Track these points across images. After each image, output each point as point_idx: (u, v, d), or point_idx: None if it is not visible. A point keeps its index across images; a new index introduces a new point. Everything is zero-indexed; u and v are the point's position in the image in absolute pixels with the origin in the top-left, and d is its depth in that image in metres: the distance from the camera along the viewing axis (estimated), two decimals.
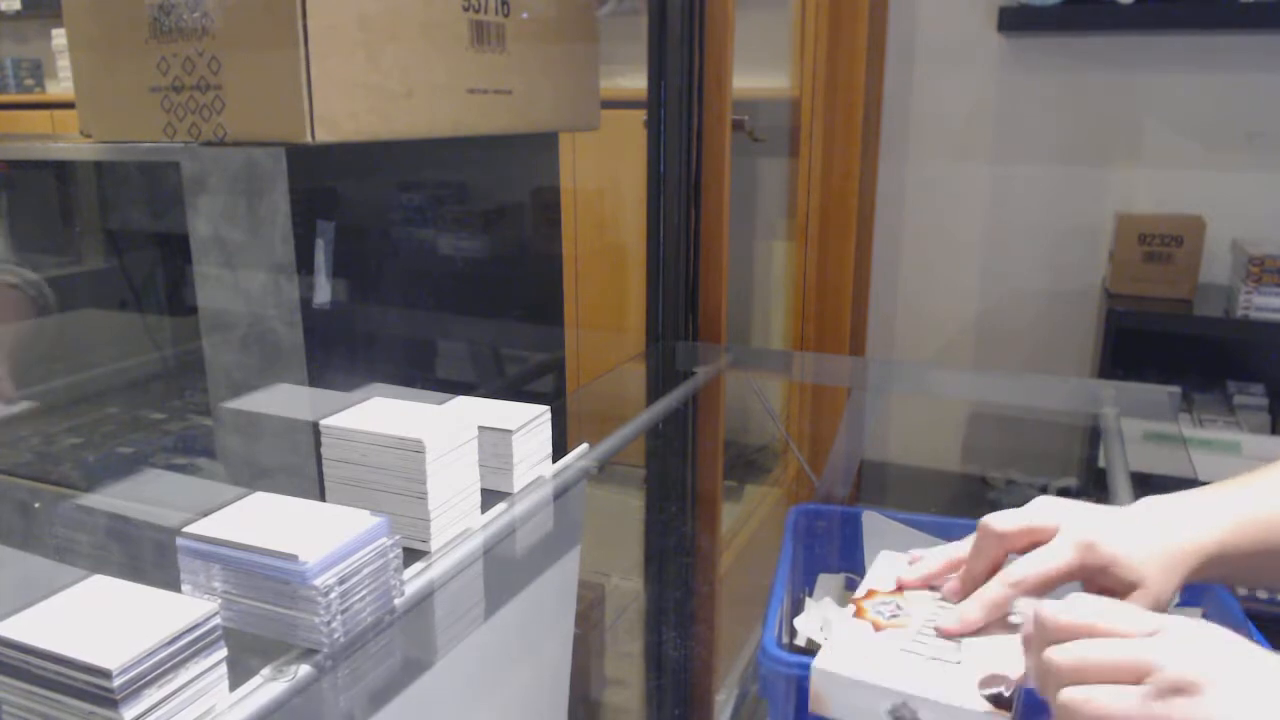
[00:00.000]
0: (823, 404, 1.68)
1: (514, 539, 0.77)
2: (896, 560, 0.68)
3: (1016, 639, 0.57)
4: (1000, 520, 0.60)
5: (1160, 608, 0.56)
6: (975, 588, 0.61)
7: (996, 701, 0.52)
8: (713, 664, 0.85)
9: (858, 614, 0.62)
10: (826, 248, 2.02)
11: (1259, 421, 1.79)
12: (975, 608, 0.59)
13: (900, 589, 0.64)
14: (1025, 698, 0.54)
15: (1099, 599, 0.50)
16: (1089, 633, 0.47)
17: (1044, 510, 0.60)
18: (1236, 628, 0.66)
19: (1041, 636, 0.49)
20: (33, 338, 1.17)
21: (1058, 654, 0.47)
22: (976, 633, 0.59)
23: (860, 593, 0.65)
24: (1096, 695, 0.44)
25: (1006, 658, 0.56)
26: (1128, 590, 0.56)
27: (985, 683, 0.54)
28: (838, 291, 2.02)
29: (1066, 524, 0.59)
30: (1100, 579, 0.57)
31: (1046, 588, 0.58)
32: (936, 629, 0.59)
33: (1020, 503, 0.62)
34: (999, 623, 0.59)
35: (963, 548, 0.64)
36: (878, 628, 0.60)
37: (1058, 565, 0.57)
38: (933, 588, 0.65)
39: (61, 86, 3.15)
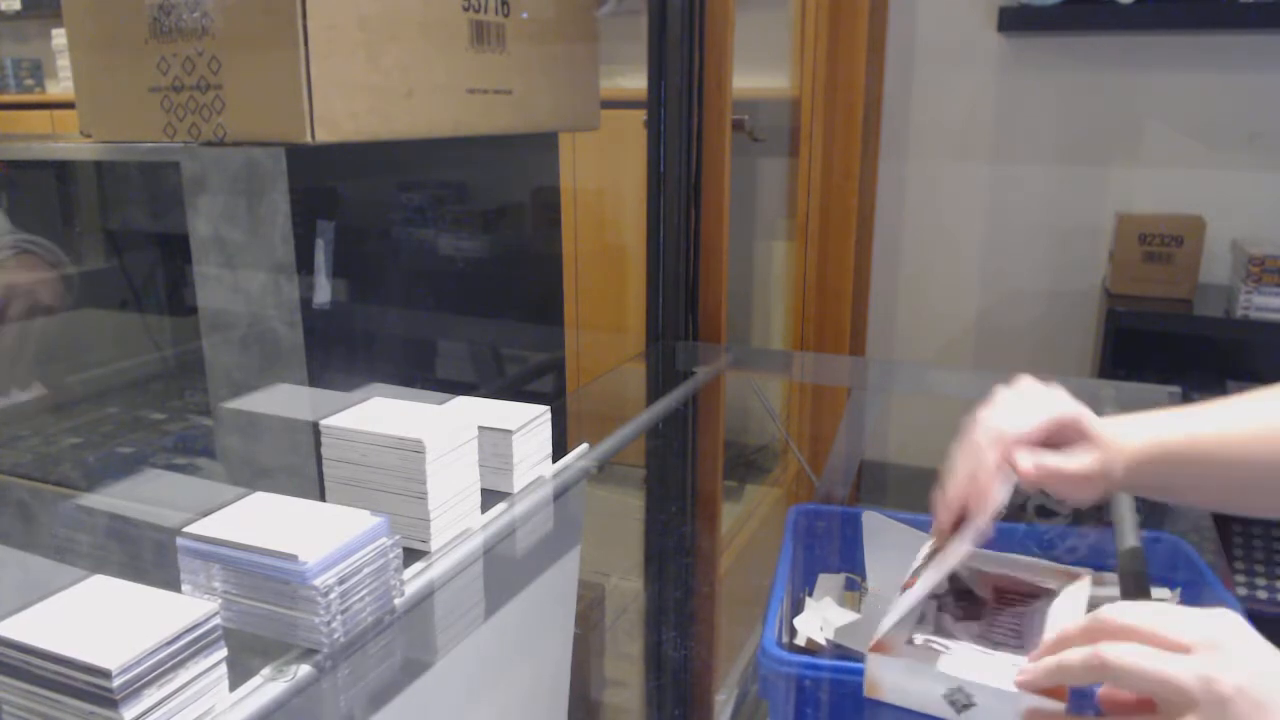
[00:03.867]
0: (823, 404, 1.68)
1: (514, 539, 0.77)
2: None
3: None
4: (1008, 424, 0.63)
5: (1110, 477, 0.61)
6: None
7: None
8: (713, 664, 0.85)
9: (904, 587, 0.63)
10: (826, 248, 2.02)
11: None
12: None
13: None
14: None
15: (1156, 606, 0.51)
16: (1148, 636, 0.47)
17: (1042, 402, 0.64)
18: None
19: (1099, 633, 0.49)
20: (33, 338, 1.17)
21: (1112, 651, 0.47)
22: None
23: (907, 576, 0.65)
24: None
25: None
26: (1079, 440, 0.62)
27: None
28: (838, 291, 2.02)
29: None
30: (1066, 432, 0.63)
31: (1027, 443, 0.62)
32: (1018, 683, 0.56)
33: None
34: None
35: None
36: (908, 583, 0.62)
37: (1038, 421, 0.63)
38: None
39: (61, 86, 3.15)
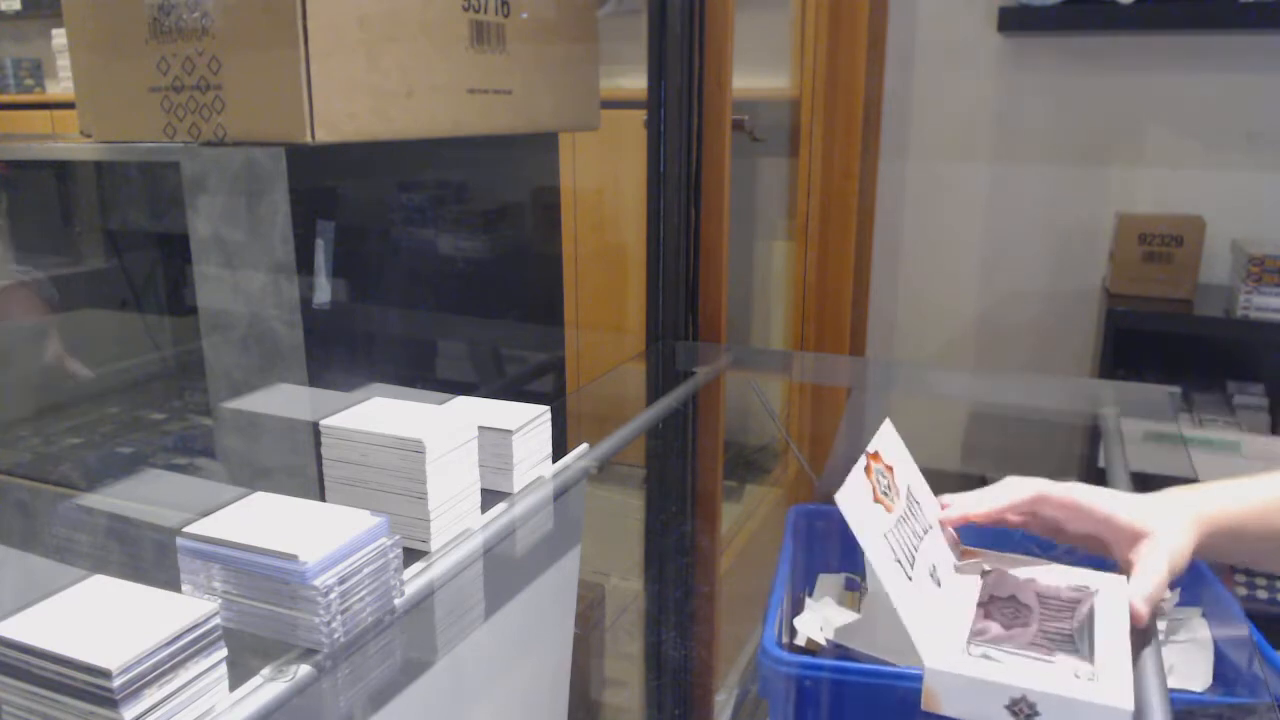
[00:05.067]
0: (823, 404, 1.68)
1: (514, 539, 0.77)
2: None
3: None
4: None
5: (1175, 560, 0.61)
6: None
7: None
8: (713, 664, 0.85)
9: (867, 471, 0.66)
10: (826, 248, 2.01)
11: (1259, 421, 1.79)
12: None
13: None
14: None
15: None
16: None
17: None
18: (1235, 627, 0.66)
19: None
20: (35, 337, 1.17)
21: None
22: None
23: (871, 449, 0.68)
24: None
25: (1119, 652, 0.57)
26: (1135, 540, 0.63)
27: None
28: (838, 291, 2.02)
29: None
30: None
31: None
32: None
33: None
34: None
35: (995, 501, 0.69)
36: (875, 498, 0.65)
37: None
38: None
39: (61, 86, 3.15)
